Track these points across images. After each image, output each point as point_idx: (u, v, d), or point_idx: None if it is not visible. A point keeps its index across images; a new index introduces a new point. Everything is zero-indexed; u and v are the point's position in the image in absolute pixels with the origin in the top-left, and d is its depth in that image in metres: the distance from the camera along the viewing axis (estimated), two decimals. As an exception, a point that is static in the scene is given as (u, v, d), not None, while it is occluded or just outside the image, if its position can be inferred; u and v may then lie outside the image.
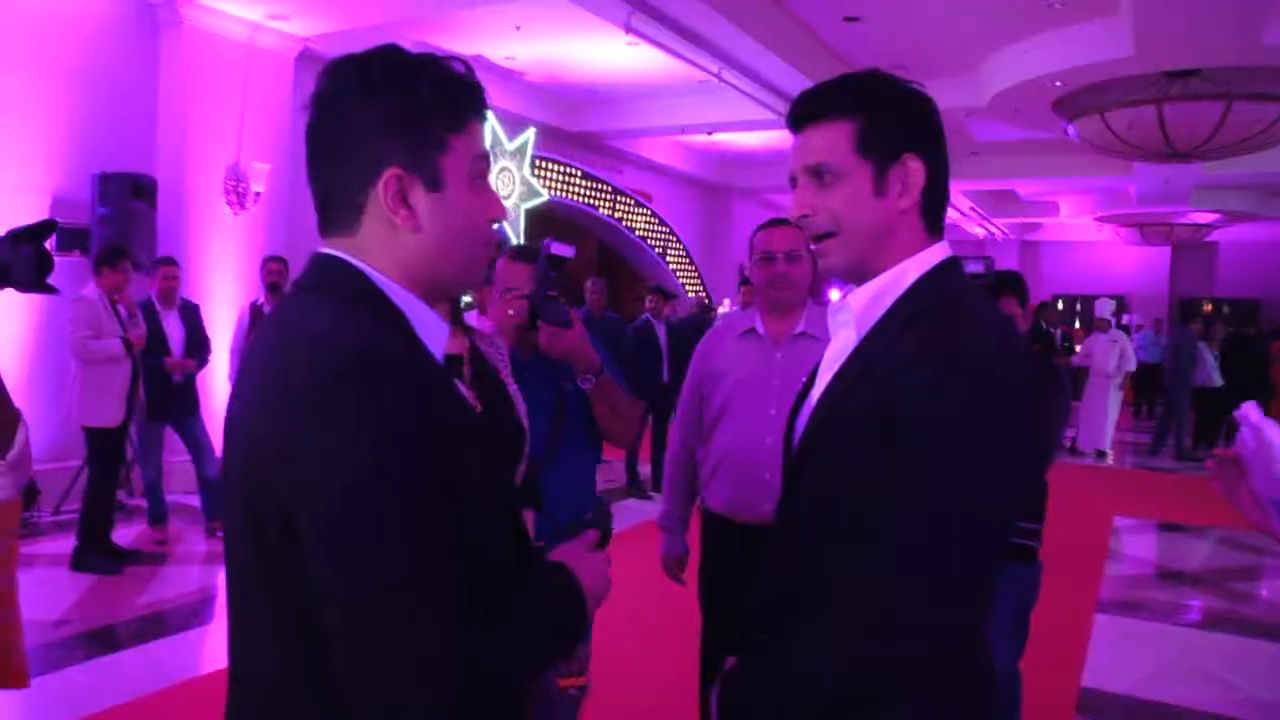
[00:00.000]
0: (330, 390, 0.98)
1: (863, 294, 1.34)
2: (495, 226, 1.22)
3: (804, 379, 1.51)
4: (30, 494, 6.26)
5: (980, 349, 1.21)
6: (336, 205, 1.12)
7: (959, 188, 16.26)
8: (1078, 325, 20.67)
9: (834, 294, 1.46)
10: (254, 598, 1.09)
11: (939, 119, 1.35)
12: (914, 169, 1.30)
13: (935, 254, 1.33)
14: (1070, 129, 10.52)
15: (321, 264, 1.13)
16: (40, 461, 6.29)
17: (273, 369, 1.06)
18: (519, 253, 2.50)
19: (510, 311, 2.31)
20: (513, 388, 1.86)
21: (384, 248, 1.11)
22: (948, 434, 1.16)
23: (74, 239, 6.66)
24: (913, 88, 1.34)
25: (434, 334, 1.14)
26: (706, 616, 2.85)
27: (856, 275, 1.36)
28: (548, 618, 1.15)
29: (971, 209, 18.60)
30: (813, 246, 1.37)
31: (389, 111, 1.09)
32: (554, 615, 1.16)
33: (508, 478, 1.32)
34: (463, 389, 1.63)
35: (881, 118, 1.30)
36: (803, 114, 1.35)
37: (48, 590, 5.07)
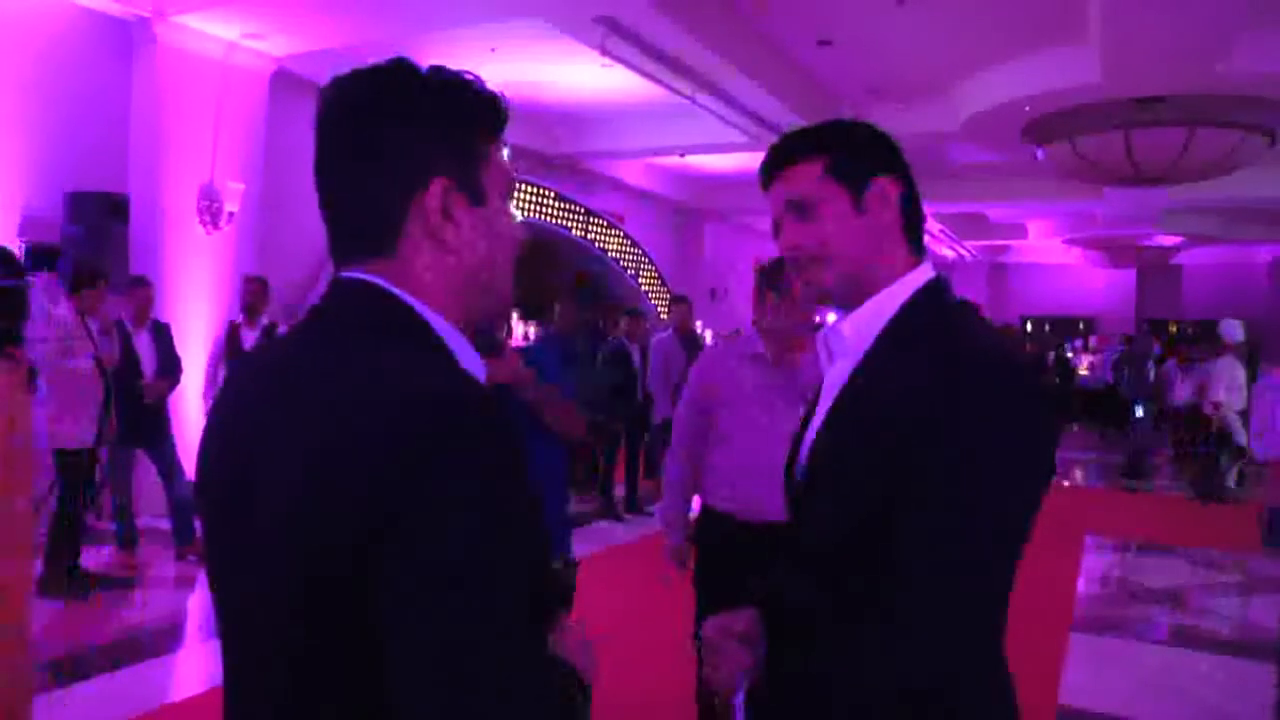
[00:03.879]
0: (426, 442, 0.86)
1: (854, 319, 1.37)
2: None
3: (801, 399, 1.53)
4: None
5: (982, 358, 1.24)
6: (370, 225, 1.03)
7: (930, 210, 16.41)
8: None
9: (831, 317, 1.47)
10: (284, 673, 0.95)
11: (901, 153, 1.41)
12: (888, 187, 1.35)
13: (920, 275, 1.37)
14: (1040, 153, 10.67)
15: (354, 292, 1.01)
16: (7, 483, 6.19)
17: (325, 411, 0.92)
18: None
19: (513, 361, 2.60)
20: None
21: (426, 270, 1.03)
22: (962, 442, 1.17)
23: (44, 258, 6.57)
24: (874, 127, 1.42)
25: (472, 362, 1.05)
26: (703, 610, 2.92)
27: (849, 297, 1.38)
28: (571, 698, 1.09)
29: (942, 231, 18.79)
30: (804, 276, 1.39)
31: (433, 120, 1.03)
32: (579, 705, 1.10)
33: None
34: None
35: (848, 151, 1.37)
36: (772, 164, 1.41)
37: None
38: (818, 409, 1.42)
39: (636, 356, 8.86)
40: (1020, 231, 20.33)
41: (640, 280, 15.06)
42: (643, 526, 8.01)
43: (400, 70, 1.04)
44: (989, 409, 1.19)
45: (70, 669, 4.26)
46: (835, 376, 1.39)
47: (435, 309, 1.03)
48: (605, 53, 8.10)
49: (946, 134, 10.71)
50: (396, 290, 1.01)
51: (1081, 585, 6.65)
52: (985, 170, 14.00)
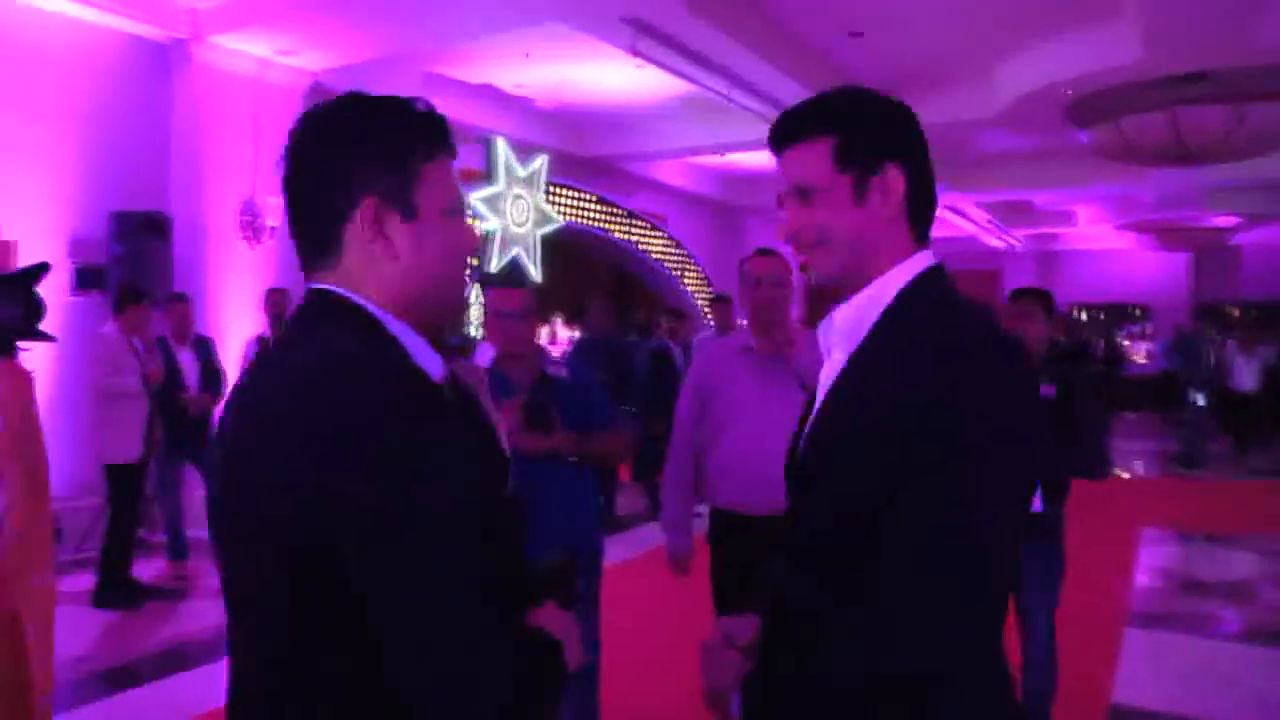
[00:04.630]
0: (372, 412, 1.01)
1: (847, 310, 1.36)
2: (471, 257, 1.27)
3: (796, 387, 1.51)
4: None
5: (971, 344, 1.22)
6: (317, 241, 1.17)
7: (973, 199, 16.19)
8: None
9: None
10: (262, 623, 1.11)
11: (918, 129, 1.37)
12: (893, 177, 1.32)
13: (918, 263, 1.34)
14: (1083, 136, 10.46)
15: (316, 298, 1.17)
16: (62, 500, 6.33)
17: (291, 400, 1.06)
18: (501, 278, 2.89)
19: (506, 421, 2.70)
20: (494, 417, 1.86)
21: (367, 278, 1.16)
22: (957, 434, 1.16)
23: (91, 278, 6.73)
24: (890, 100, 1.37)
25: (429, 361, 1.18)
26: (721, 610, 2.92)
27: (847, 284, 1.37)
28: (543, 663, 1.17)
29: (989, 221, 18.52)
30: (804, 259, 1.38)
31: (361, 146, 1.15)
32: (546, 664, 1.18)
33: (508, 504, 1.35)
34: None
35: (858, 132, 1.33)
36: (781, 136, 1.38)
37: (69, 627, 5.07)
38: (816, 400, 1.40)
39: (680, 357, 8.83)
40: (1069, 218, 19.93)
41: (684, 281, 15.03)
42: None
43: (342, 103, 1.18)
44: (984, 401, 1.17)
45: (123, 677, 4.37)
46: (832, 367, 1.37)
47: (384, 310, 1.16)
48: (636, 53, 8.09)
49: (985, 120, 10.52)
50: (347, 293, 1.15)
51: (1138, 578, 6.49)
52: (1028, 156, 13.75)
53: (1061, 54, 8.79)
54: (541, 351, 3.21)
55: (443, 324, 1.26)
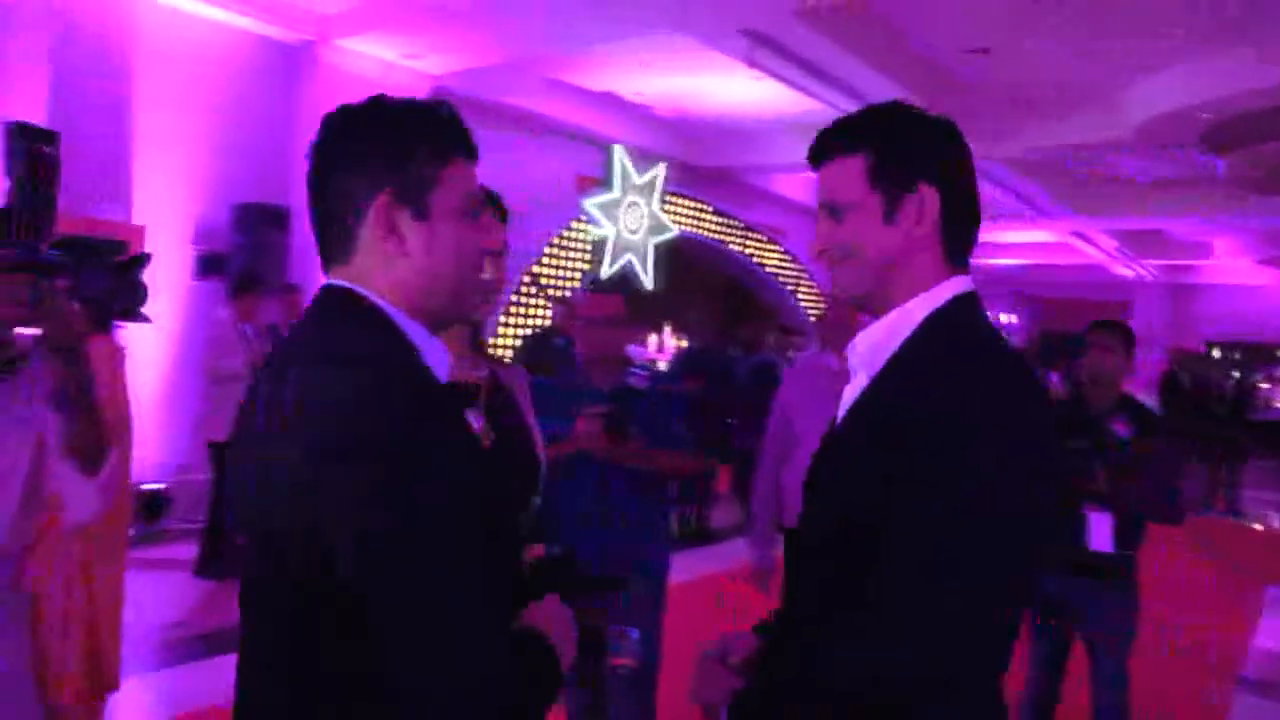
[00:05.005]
0: (367, 407, 1.03)
1: (871, 334, 1.34)
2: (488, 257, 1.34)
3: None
4: (160, 504, 6.63)
5: (980, 367, 1.19)
6: (334, 237, 1.20)
7: (1101, 226, 15.59)
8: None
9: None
10: (266, 619, 1.13)
11: (960, 149, 1.34)
12: (928, 197, 1.28)
13: (949, 288, 1.30)
14: (1218, 165, 9.97)
15: (329, 294, 1.20)
16: (172, 475, 6.65)
17: (297, 393, 1.08)
18: (598, 284, 3.12)
19: (586, 425, 2.81)
20: (530, 419, 1.86)
21: (379, 275, 1.18)
22: (948, 477, 1.13)
23: (213, 265, 7.07)
24: (931, 116, 1.34)
25: (437, 358, 1.20)
26: None
27: (874, 305, 1.34)
28: (534, 670, 1.17)
29: (1117, 249, 17.81)
30: (833, 278, 1.37)
31: (377, 147, 1.18)
32: (539, 664, 1.18)
33: (509, 506, 1.37)
34: (474, 418, 1.66)
35: (893, 150, 1.30)
36: (818, 152, 1.37)
37: (171, 594, 5.34)
38: (837, 421, 1.39)
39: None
40: (1205, 250, 19.01)
41: (798, 296, 14.87)
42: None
43: (362, 106, 1.21)
44: (982, 423, 1.14)
45: (218, 642, 4.52)
46: (854, 388, 1.36)
47: (395, 307, 1.18)
48: (753, 64, 8.07)
49: (1114, 143, 10.13)
50: (358, 289, 1.18)
51: (1261, 641, 6.06)
52: (1160, 183, 13.16)
53: (1197, 75, 8.40)
54: (628, 360, 3.23)
55: (453, 322, 1.28)
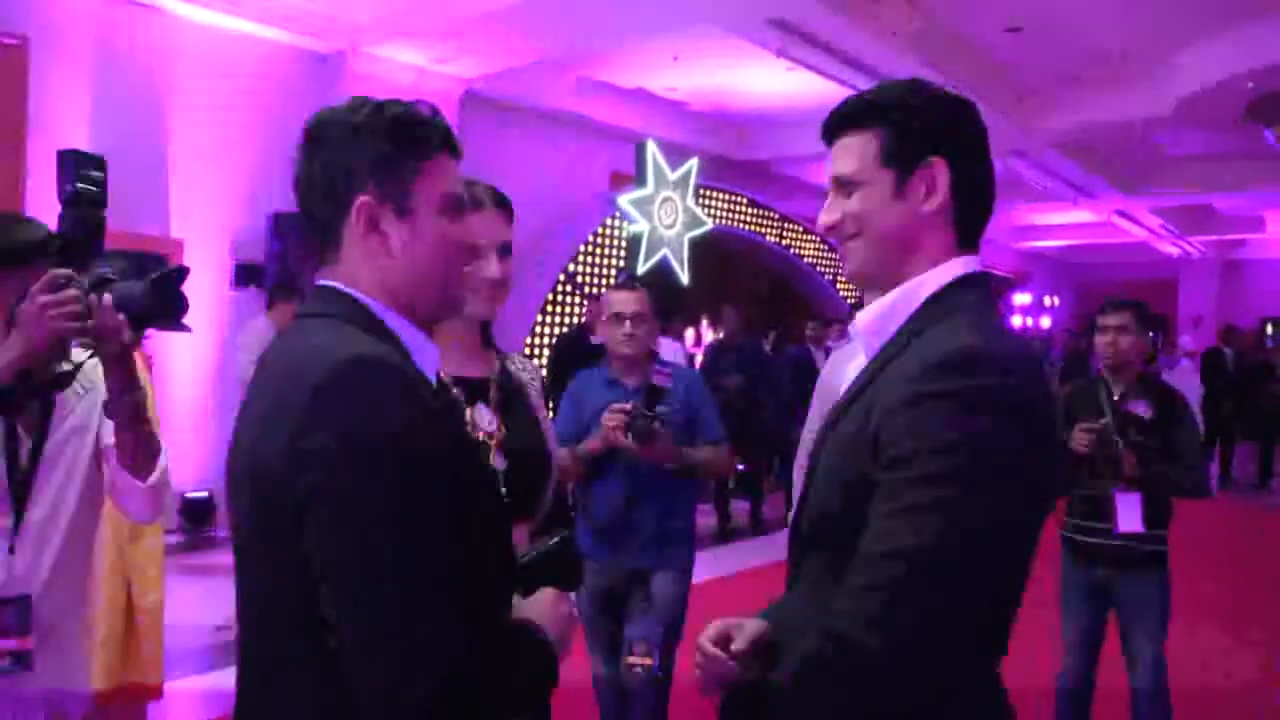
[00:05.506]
0: (334, 394, 1.06)
1: (872, 311, 1.32)
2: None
3: None
4: (203, 510, 6.74)
5: (961, 351, 1.15)
6: (321, 238, 1.23)
7: (1145, 204, 15.28)
8: None
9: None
10: (263, 595, 1.17)
11: (975, 126, 1.32)
12: (939, 172, 1.27)
13: (956, 267, 1.28)
14: (1268, 134, 9.72)
15: (319, 293, 1.23)
16: (214, 482, 6.75)
17: (277, 384, 1.14)
18: (623, 282, 3.18)
19: (611, 423, 2.85)
20: (542, 414, 1.86)
21: (365, 273, 1.21)
22: (934, 445, 1.11)
23: (250, 274, 7.16)
24: (947, 93, 1.33)
25: (424, 354, 1.23)
26: None
27: (881, 282, 1.32)
28: (522, 662, 1.18)
29: (1162, 226, 17.44)
30: (841, 254, 1.36)
31: (357, 146, 1.19)
32: (527, 663, 1.19)
33: (498, 499, 1.37)
34: (486, 412, 1.65)
35: (906, 126, 1.29)
36: (831, 128, 1.36)
37: (214, 598, 5.39)
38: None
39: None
40: (1257, 224, 18.52)
41: (838, 286, 14.74)
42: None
43: (342, 107, 1.23)
44: (969, 415, 1.11)
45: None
46: (856, 369, 1.34)
47: (384, 306, 1.21)
48: (783, 55, 8.01)
49: (1156, 119, 9.93)
50: (346, 288, 1.20)
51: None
52: (1206, 157, 12.87)
53: (1241, 44, 8.19)
54: (653, 356, 3.21)
55: (443, 318, 1.30)
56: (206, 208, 7.16)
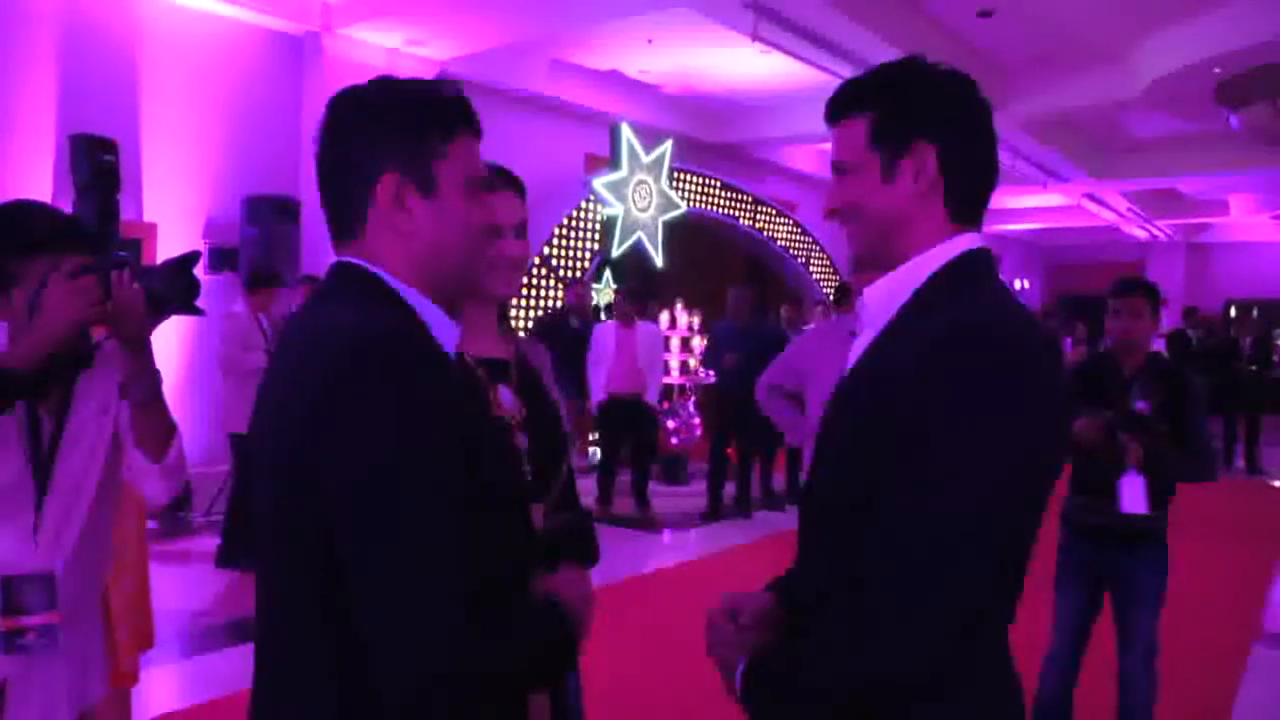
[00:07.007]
0: (357, 371, 1.07)
1: (876, 289, 1.34)
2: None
3: None
4: (181, 497, 6.68)
5: (970, 328, 1.16)
6: (344, 215, 1.23)
7: (1116, 188, 15.44)
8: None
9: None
10: (284, 582, 1.17)
11: (966, 105, 1.32)
12: (925, 155, 1.28)
13: (958, 245, 1.30)
14: (1233, 120, 9.85)
15: (339, 270, 1.23)
16: (192, 466, 6.69)
17: (300, 362, 1.14)
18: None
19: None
20: (555, 394, 1.88)
21: (389, 250, 1.21)
22: (935, 427, 1.12)
23: (224, 259, 7.09)
24: (939, 72, 1.33)
25: (445, 332, 1.24)
26: None
27: (881, 263, 1.35)
28: (543, 635, 1.20)
29: (1130, 210, 17.63)
30: (845, 235, 1.38)
31: (383, 124, 1.20)
32: (549, 634, 1.21)
33: (522, 477, 1.39)
34: (508, 393, 1.67)
35: (894, 108, 1.31)
36: (829, 113, 1.38)
37: (194, 584, 5.40)
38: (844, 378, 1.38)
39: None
40: (1221, 207, 18.78)
41: (811, 268, 14.79)
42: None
43: (368, 86, 1.24)
44: (977, 392, 1.12)
45: (243, 631, 4.61)
46: (860, 344, 1.35)
47: (405, 283, 1.21)
48: (757, 38, 8.01)
49: (1125, 102, 10.02)
50: (368, 265, 1.21)
51: (1277, 595, 6.06)
52: (1174, 141, 13.02)
53: (1207, 29, 8.28)
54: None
55: (463, 295, 1.31)
56: (180, 191, 7.08)
